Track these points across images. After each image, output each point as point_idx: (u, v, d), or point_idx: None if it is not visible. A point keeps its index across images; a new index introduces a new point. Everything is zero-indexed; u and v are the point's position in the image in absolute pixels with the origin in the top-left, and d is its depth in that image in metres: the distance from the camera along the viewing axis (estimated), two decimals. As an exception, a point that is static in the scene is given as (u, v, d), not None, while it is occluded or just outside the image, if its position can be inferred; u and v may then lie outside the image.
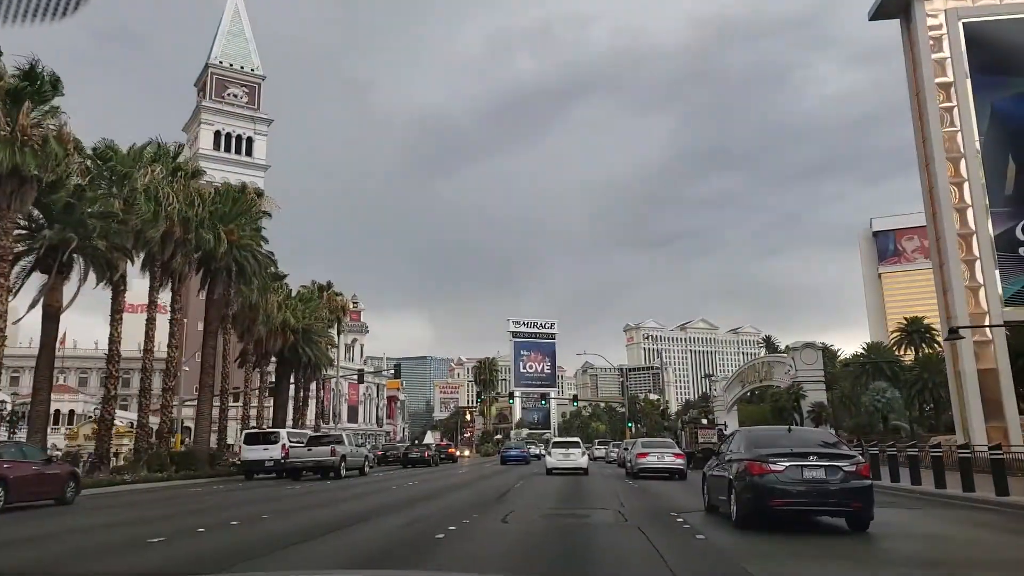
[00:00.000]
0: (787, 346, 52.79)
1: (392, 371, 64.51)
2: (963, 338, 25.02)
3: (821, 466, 11.19)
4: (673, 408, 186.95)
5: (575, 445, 33.95)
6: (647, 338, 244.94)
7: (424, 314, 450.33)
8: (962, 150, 28.54)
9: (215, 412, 37.94)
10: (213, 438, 37.09)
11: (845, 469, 11.19)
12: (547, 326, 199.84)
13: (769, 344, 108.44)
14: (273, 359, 41.35)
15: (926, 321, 72.92)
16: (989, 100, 28.75)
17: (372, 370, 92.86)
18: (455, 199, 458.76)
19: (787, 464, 11.22)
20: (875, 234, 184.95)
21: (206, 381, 33.70)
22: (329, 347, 46.06)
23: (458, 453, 79.46)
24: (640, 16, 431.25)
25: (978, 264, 27.85)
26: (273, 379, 43.80)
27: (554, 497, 18.82)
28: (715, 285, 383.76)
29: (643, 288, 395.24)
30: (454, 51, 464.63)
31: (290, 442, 33.07)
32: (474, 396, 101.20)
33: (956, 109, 28.81)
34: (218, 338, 34.58)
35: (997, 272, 27.64)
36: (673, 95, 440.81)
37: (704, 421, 46.46)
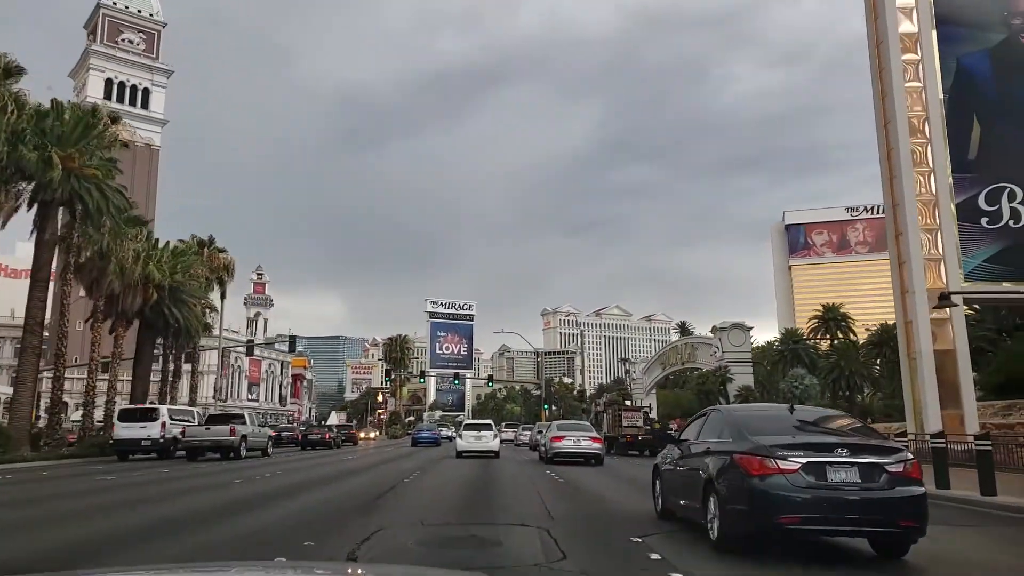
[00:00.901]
0: (714, 326, 49.97)
1: (288, 344, 58.85)
2: (956, 305, 22.15)
3: (854, 464, 7.30)
4: (587, 392, 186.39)
5: (487, 427, 32.23)
6: (566, 321, 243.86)
7: (340, 293, 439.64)
8: (925, 109, 25.58)
9: (76, 385, 31.92)
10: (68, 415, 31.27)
11: (889, 469, 7.36)
12: (466, 307, 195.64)
13: (684, 330, 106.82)
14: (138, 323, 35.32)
15: (843, 310, 72.21)
16: (955, 54, 25.89)
17: (262, 342, 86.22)
18: (376, 177, 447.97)
19: (804, 460, 7.33)
20: (787, 227, 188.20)
21: (30, 343, 27.57)
22: (208, 311, 39.90)
23: (363, 435, 74.78)
24: (569, 3, 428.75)
25: (938, 235, 24.95)
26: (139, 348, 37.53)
27: (453, 498, 14.42)
28: (631, 273, 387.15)
29: (562, 273, 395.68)
30: (379, 24, 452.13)
31: (172, 419, 31.27)
32: (385, 376, 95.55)
33: (920, 64, 25.83)
34: (60, 291, 28.67)
35: (957, 244, 24.80)
36: (598, 84, 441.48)
37: (627, 403, 43.42)
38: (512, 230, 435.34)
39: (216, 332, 48.31)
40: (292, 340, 53.40)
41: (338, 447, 48.99)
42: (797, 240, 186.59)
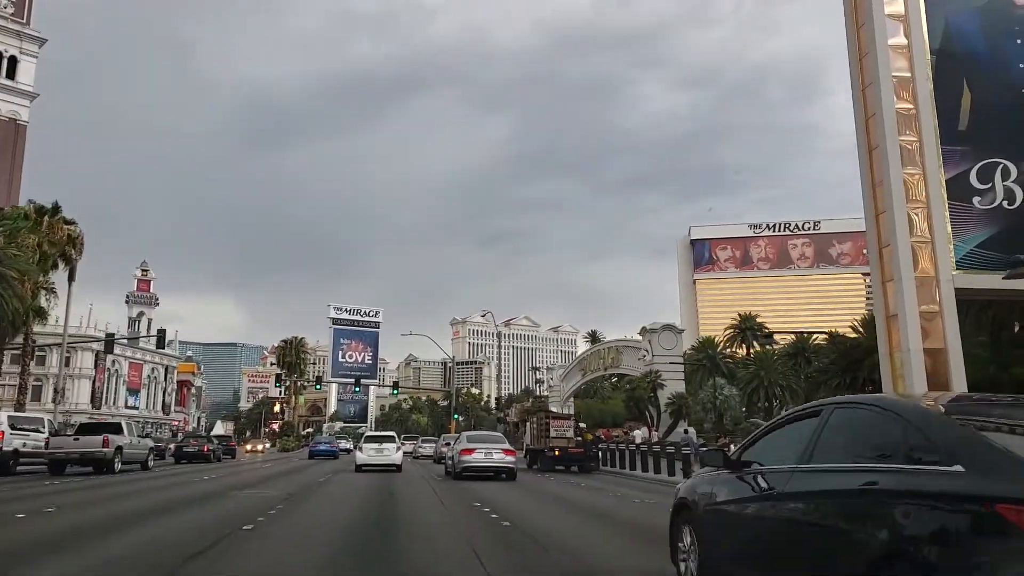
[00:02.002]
0: (643, 328, 45.77)
1: (156, 339, 51.27)
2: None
3: None
4: (493, 403, 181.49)
5: (389, 440, 30.30)
6: (476, 331, 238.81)
7: (242, 300, 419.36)
8: (911, 70, 21.92)
9: None
10: None
11: None
12: (372, 314, 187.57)
13: (594, 338, 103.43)
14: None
15: (771, 315, 70.24)
16: (943, 12, 22.41)
17: (124, 337, 77.08)
18: (284, 181, 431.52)
19: None
20: (692, 242, 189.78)
21: None
22: (47, 296, 32.33)
23: (249, 448, 67.58)
24: (486, 14, 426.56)
25: (924, 214, 21.23)
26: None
27: (329, 549, 9.08)
28: (540, 285, 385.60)
29: (472, 284, 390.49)
30: (289, 24, 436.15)
31: (15, 429, 27.19)
32: (276, 382, 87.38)
33: (906, 20, 22.18)
34: None
35: (948, 226, 21.12)
36: (512, 97, 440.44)
37: (555, 409, 38.76)
38: (423, 239, 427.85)
39: (76, 324, 40.56)
40: (161, 334, 46.04)
41: (218, 460, 44.19)
42: (702, 255, 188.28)
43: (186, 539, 9.60)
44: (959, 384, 20.29)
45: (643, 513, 14.42)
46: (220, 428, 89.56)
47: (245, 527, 10.46)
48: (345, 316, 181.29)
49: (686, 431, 29.99)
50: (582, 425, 32.05)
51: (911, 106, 21.62)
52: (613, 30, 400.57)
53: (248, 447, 68.40)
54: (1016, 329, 31.96)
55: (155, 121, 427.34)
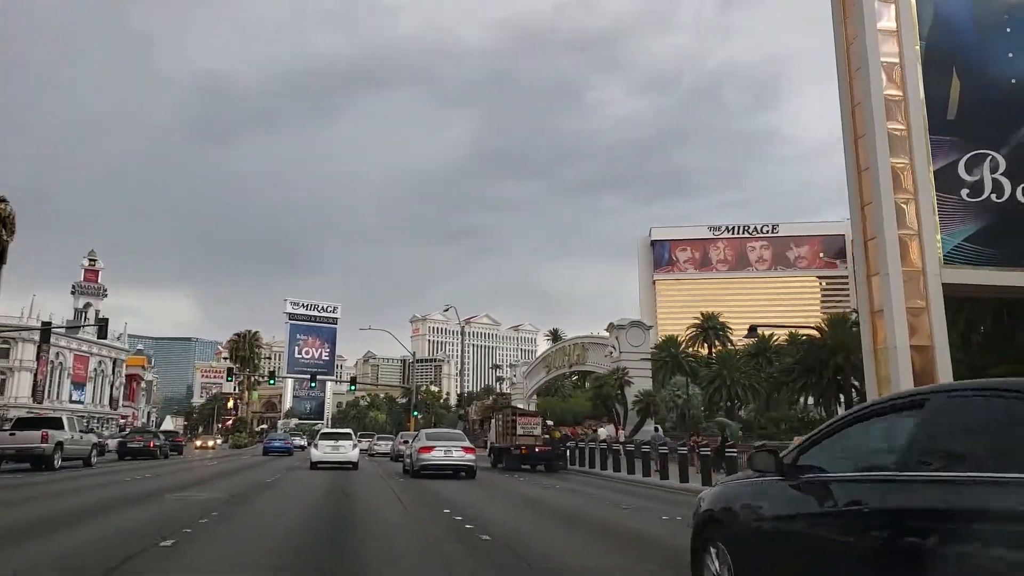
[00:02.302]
0: (611, 324, 44.44)
1: (98, 329, 48.51)
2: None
3: None
4: (453, 401, 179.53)
5: (345, 436, 29.74)
6: (436, 329, 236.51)
7: (196, 294, 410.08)
8: (900, 57, 21.01)
9: None
10: None
11: None
12: (329, 310, 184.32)
13: (555, 336, 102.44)
14: None
15: (729, 315, 69.91)
16: (932, -2, 21.55)
17: (61, 327, 73.50)
18: (240, 173, 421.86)
19: None
20: (653, 243, 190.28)
21: None
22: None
23: (199, 444, 65.00)
24: (450, 13, 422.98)
25: (911, 206, 20.32)
26: None
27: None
28: (501, 284, 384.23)
29: (432, 282, 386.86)
30: (251, 15, 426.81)
31: None
32: (234, 380, 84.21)
33: (894, 3, 21.28)
34: None
35: (936, 218, 20.24)
36: (474, 97, 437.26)
37: (521, 406, 37.27)
38: (383, 237, 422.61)
39: (16, 315, 37.89)
40: (103, 323, 43.39)
41: (165, 457, 42.05)
42: (662, 256, 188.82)
43: (77, 563, 7.66)
44: (945, 379, 19.35)
45: (629, 519, 13.08)
46: (170, 424, 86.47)
47: (164, 543, 8.54)
48: (302, 311, 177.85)
49: (656, 429, 28.78)
50: (549, 423, 30.68)
51: (899, 93, 20.76)
52: (575, 33, 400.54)
53: (198, 443, 65.76)
54: (983, 330, 31.51)
55: (107, 111, 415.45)
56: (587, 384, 73.22)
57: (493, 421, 31.07)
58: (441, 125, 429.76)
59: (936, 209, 20.29)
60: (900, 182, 20.36)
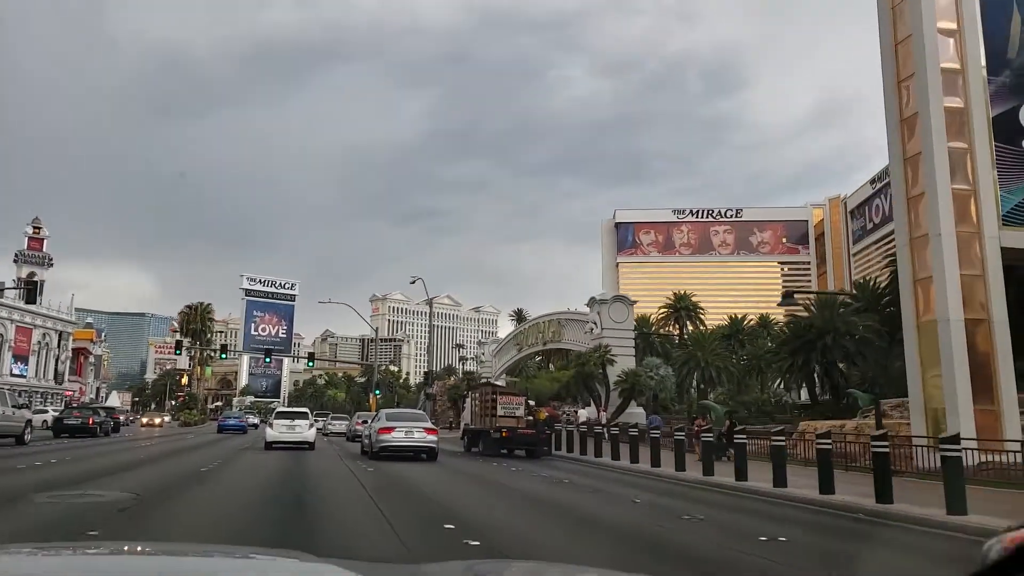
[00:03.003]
0: (592, 298, 41.19)
1: (25, 292, 43.70)
2: None
3: None
4: (414, 381, 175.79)
5: (302, 416, 28.88)
6: (396, 308, 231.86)
7: (152, 269, 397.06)
8: (954, -15, 17.95)
9: None
10: None
11: None
12: (287, 287, 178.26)
13: (520, 317, 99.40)
14: None
15: (693, 298, 67.58)
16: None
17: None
18: (196, 147, 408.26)
19: None
20: (617, 225, 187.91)
21: None
22: None
23: (146, 420, 60.53)
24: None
25: (967, 159, 17.35)
26: None
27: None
28: (461, 265, 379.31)
29: (392, 261, 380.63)
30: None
31: None
32: (185, 353, 79.29)
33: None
34: None
35: (994, 172, 17.32)
36: (433, 74, 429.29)
37: (501, 384, 33.92)
38: (341, 214, 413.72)
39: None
40: (31, 287, 38.91)
41: (106, 435, 38.91)
42: (626, 238, 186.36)
43: None
44: (1004, 358, 16.57)
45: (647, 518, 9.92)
46: (116, 400, 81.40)
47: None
48: (259, 287, 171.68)
49: (655, 415, 25.57)
50: (531, 403, 27.31)
51: (954, 25, 17.64)
52: (537, 13, 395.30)
53: (145, 420, 61.19)
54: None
55: (59, 81, 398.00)
56: (551, 365, 70.23)
57: (469, 400, 27.61)
58: (399, 103, 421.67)
59: (994, 162, 17.33)
60: (954, 129, 17.35)
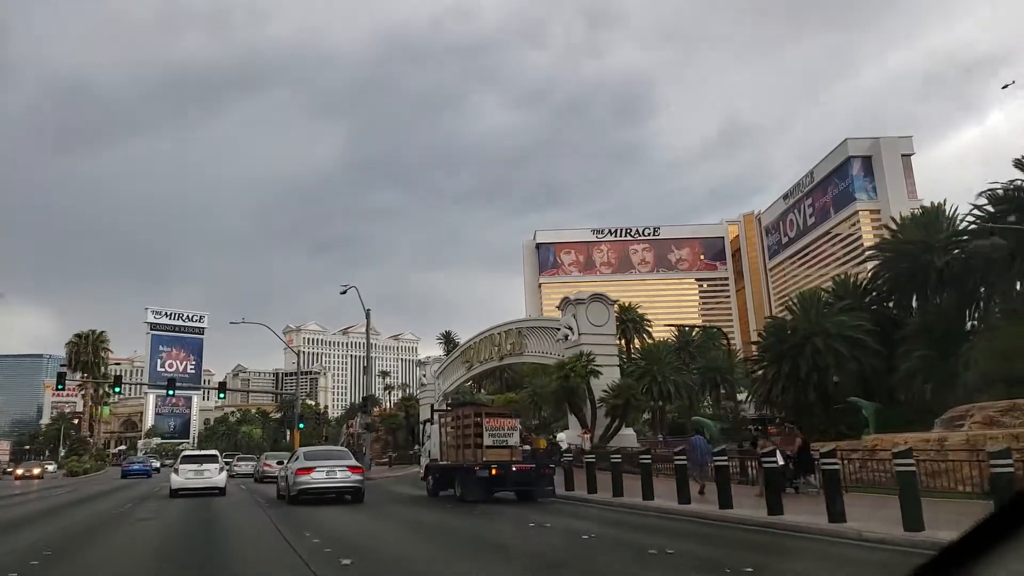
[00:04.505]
0: (565, 298, 34.45)
1: None
2: None
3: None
4: (333, 413, 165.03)
5: (211, 459, 26.52)
6: (311, 340, 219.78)
7: (52, 311, 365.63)
8: None
9: None
10: None
11: None
12: (195, 319, 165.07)
13: (448, 339, 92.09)
14: None
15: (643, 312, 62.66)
16: None
17: None
18: (100, 180, 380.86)
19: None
20: (538, 246, 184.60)
21: None
22: None
23: (20, 472, 50.29)
24: (323, 18, 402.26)
25: None
26: None
27: None
28: (377, 294, 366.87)
29: (305, 292, 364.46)
30: (115, 14, 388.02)
31: None
32: (70, 388, 68.11)
33: None
34: None
35: None
36: (349, 104, 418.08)
37: (484, 402, 26.83)
38: (252, 245, 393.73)
39: None
40: None
41: None
42: (547, 259, 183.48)
43: None
44: None
45: None
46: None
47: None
48: (165, 320, 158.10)
49: (700, 431, 19.22)
50: (519, 425, 20.29)
51: None
52: (449, 44, 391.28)
53: (20, 471, 50.79)
54: None
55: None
56: (484, 384, 63.50)
57: (435, 427, 20.65)
58: (313, 133, 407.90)
59: None
60: None
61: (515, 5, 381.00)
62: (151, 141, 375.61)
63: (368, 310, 34.95)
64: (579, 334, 32.10)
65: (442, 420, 20.75)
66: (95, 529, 14.80)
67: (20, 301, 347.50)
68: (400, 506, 19.70)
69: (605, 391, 30.52)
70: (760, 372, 37.43)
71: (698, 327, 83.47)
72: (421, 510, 17.97)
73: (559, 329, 33.85)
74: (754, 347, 45.51)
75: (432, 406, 35.45)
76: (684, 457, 16.83)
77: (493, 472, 17.30)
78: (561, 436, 29.29)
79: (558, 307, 36.64)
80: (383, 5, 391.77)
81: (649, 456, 18.20)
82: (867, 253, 39.30)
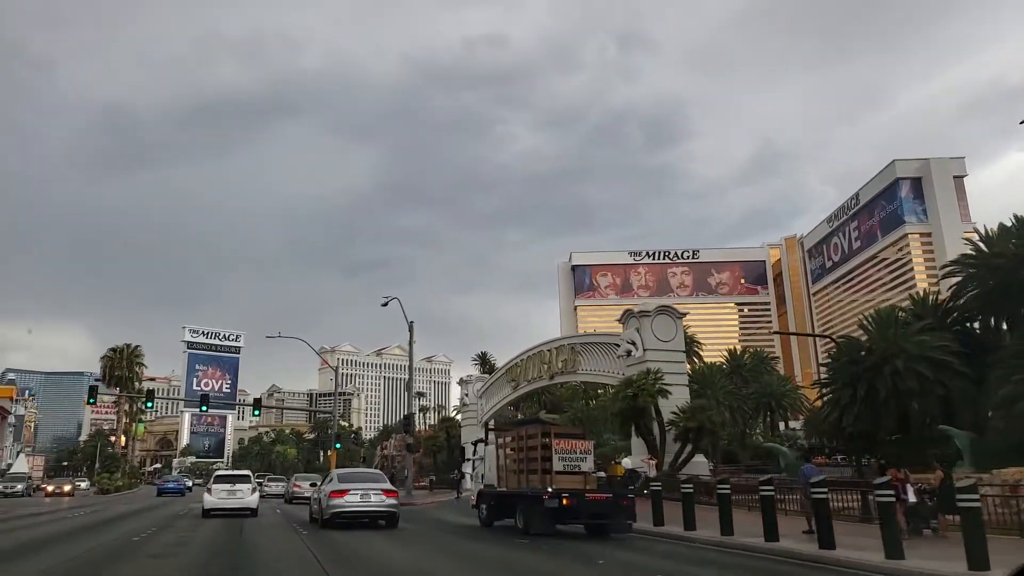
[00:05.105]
0: (627, 310, 31.82)
1: None
2: None
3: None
4: (366, 435, 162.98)
5: (243, 480, 25.70)
6: (345, 361, 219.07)
7: (93, 331, 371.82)
8: None
9: None
10: None
11: None
12: (232, 338, 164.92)
13: (484, 360, 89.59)
14: None
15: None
16: None
17: None
18: (141, 205, 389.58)
19: None
20: (574, 268, 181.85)
21: None
22: None
23: (51, 488, 48.82)
24: (355, 46, 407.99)
25: None
26: None
27: None
28: (412, 315, 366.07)
29: (341, 313, 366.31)
30: (154, 46, 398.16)
31: None
32: (103, 403, 66.99)
33: None
34: None
35: None
36: (379, 130, 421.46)
37: (549, 421, 24.26)
38: (286, 267, 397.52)
39: None
40: None
41: None
42: (583, 281, 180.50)
43: None
44: None
45: None
46: (24, 464, 68.69)
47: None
48: (202, 339, 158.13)
49: (809, 464, 16.27)
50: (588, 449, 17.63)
51: None
52: (481, 70, 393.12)
53: (51, 488, 49.33)
54: None
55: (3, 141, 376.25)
56: (522, 408, 60.75)
57: (494, 448, 18.28)
58: (346, 157, 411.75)
59: None
60: None
61: (547, 32, 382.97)
62: (188, 166, 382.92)
63: (411, 322, 33.04)
64: (644, 349, 29.40)
65: (500, 441, 18.25)
66: (98, 564, 12.51)
67: (63, 323, 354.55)
68: (453, 536, 17.31)
69: (675, 413, 27.76)
70: (830, 396, 34.19)
71: (751, 350, 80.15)
72: (478, 544, 15.51)
73: (618, 345, 31.24)
74: (822, 368, 42.23)
75: (486, 425, 32.88)
76: (771, 487, 14.27)
77: (565, 502, 14.76)
78: (627, 461, 26.64)
79: (619, 320, 33.93)
80: (415, 32, 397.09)
81: (727, 487, 15.59)
82: (945, 270, 35.90)
